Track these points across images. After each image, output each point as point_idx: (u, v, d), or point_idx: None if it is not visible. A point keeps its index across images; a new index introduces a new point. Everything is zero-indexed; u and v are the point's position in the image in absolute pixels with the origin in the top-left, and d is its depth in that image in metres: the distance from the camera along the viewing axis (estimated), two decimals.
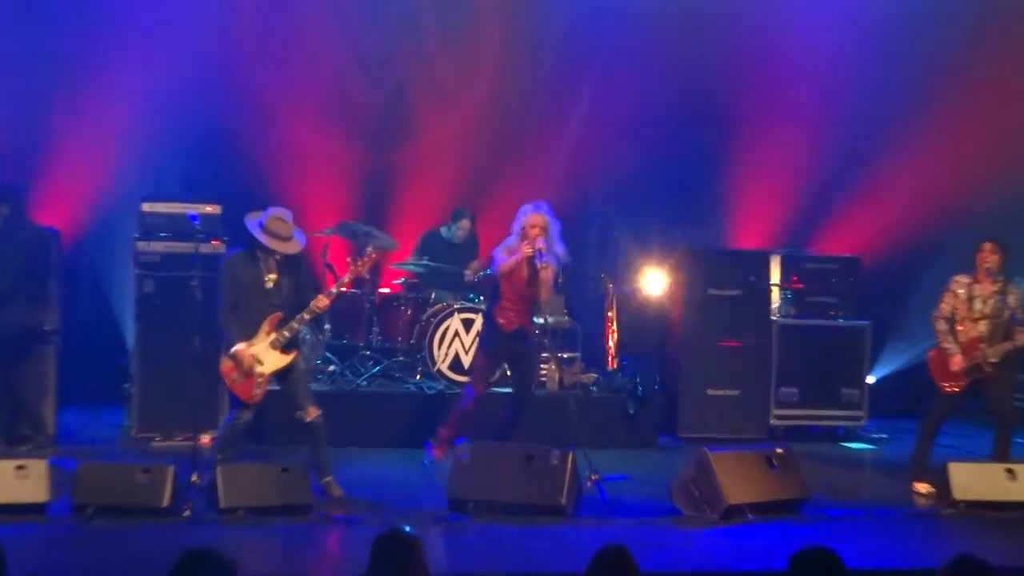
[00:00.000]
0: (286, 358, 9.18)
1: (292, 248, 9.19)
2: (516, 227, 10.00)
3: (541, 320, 10.26)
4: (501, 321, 10.08)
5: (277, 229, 9.14)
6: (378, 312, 12.16)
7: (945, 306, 10.15)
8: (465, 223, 12.70)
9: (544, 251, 9.78)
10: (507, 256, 9.97)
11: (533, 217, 9.93)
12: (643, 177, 13.35)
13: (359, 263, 9.46)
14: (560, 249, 10.09)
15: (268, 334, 9.13)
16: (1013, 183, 12.89)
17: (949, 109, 13.26)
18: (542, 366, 12.01)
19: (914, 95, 13.46)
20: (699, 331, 12.20)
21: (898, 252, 13.37)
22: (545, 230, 9.89)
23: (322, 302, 9.15)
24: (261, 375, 9.12)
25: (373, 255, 9.72)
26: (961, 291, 10.11)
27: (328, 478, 9.26)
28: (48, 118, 12.38)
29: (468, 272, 12.48)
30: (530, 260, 9.85)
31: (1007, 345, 10.01)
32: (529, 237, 9.84)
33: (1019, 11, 13.17)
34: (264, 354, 9.12)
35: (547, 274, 9.81)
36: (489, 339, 10.27)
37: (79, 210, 12.25)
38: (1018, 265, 10.30)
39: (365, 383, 11.73)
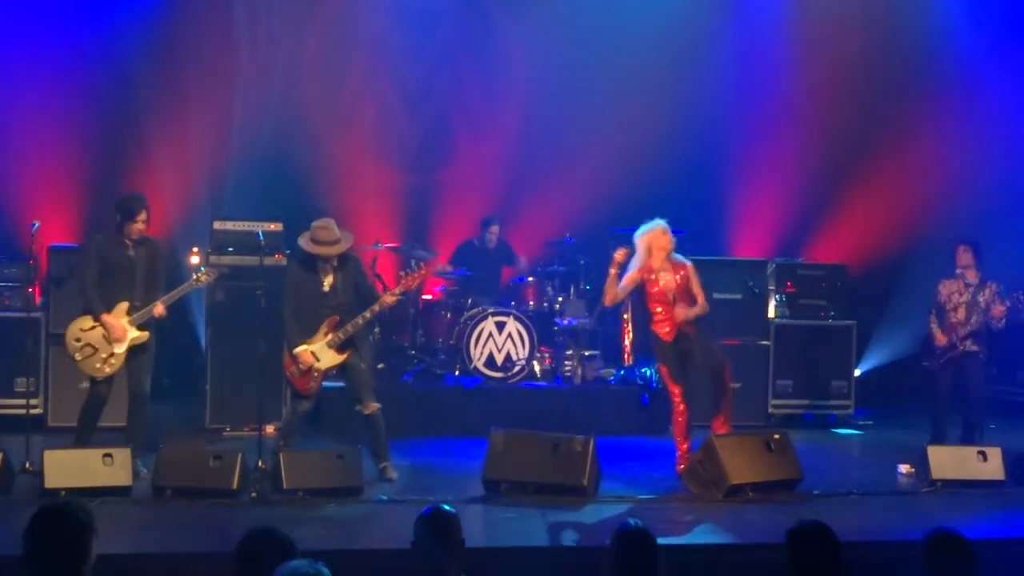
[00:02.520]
0: (340, 357, 9.17)
1: (339, 249, 9.16)
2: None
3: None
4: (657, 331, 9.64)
5: (322, 237, 9.15)
6: (421, 316, 12.17)
7: (936, 306, 10.42)
8: (495, 228, 12.71)
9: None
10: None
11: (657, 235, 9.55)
12: (656, 195, 13.22)
13: (410, 277, 9.40)
14: None
15: (325, 335, 9.13)
16: (979, 197, 12.80)
17: (924, 130, 13.15)
18: (566, 363, 12.06)
19: (894, 117, 13.35)
20: (705, 331, 12.11)
21: (879, 260, 13.29)
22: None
23: (387, 299, 9.13)
24: (317, 371, 9.15)
25: (424, 272, 9.71)
26: (943, 288, 10.35)
27: (384, 463, 9.25)
28: (134, 149, 12.42)
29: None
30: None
31: (970, 326, 10.18)
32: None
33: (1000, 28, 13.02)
34: (321, 352, 9.13)
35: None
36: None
37: (160, 228, 12.25)
38: (992, 266, 10.36)
39: (411, 378, 11.74)
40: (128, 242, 9.22)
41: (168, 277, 9.59)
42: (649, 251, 9.47)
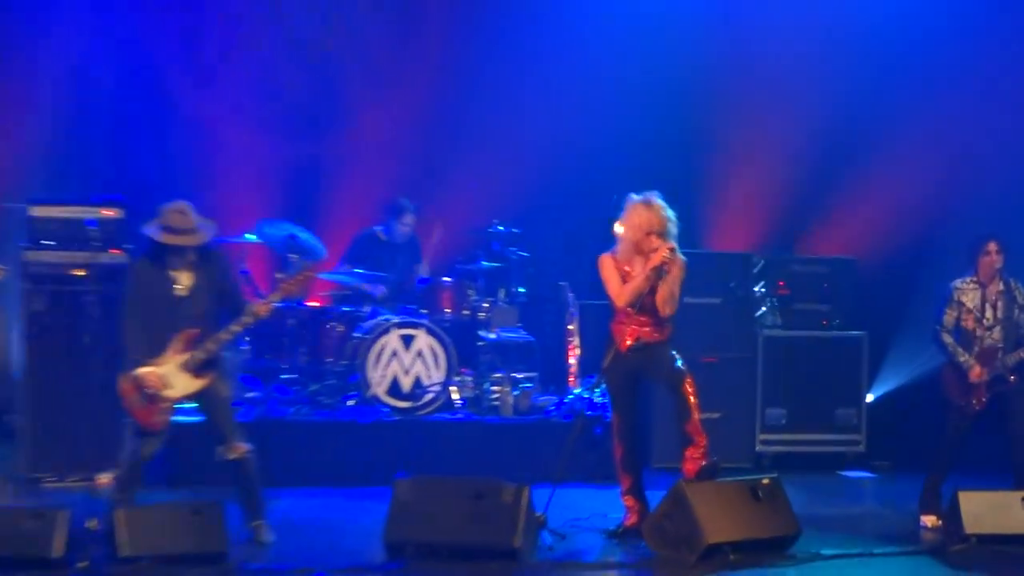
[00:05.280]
0: (198, 382, 9.06)
1: (196, 240, 9.04)
2: (626, 231, 9.48)
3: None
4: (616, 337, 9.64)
5: (175, 223, 9.03)
6: (305, 329, 12.12)
7: (948, 317, 10.24)
8: (409, 218, 12.74)
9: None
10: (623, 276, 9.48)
11: (649, 212, 9.43)
12: (612, 170, 13.27)
13: (289, 283, 9.34)
14: None
15: (179, 353, 9.03)
16: (1013, 175, 12.99)
17: (948, 95, 13.33)
18: (494, 389, 12.11)
19: (913, 79, 13.51)
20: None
21: (897, 252, 13.39)
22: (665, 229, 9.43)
23: (260, 308, 9.08)
24: (167, 400, 9.04)
25: (308, 273, 9.64)
26: (966, 298, 10.21)
27: (258, 521, 9.21)
28: None
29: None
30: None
31: (1022, 352, 10.10)
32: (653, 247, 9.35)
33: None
34: (173, 376, 9.03)
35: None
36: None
37: None
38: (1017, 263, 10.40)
39: (292, 411, 11.70)
40: None
41: None
42: (628, 236, 9.49)
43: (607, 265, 9.55)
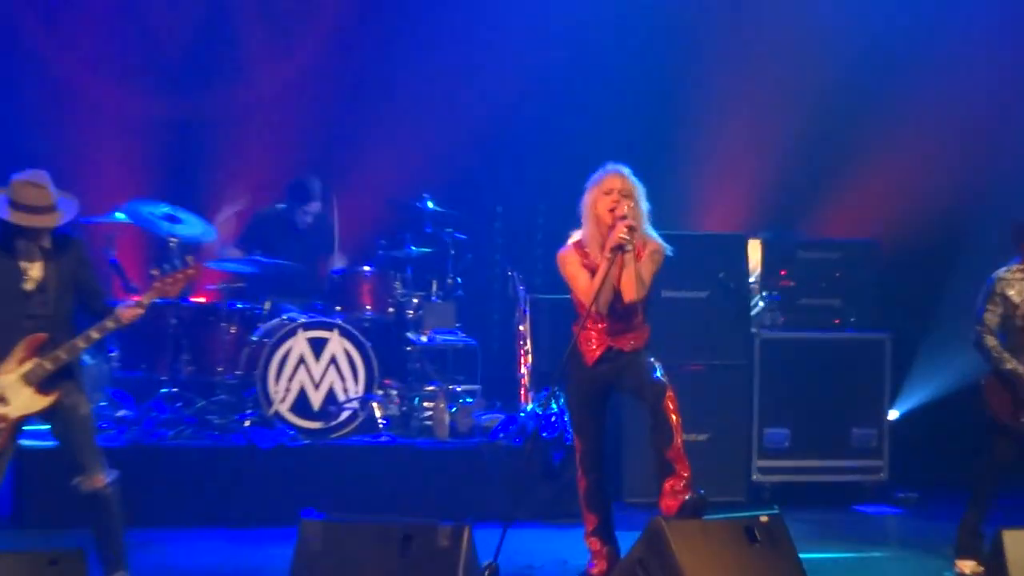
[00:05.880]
0: (44, 400, 8.90)
1: (53, 220, 8.88)
2: (585, 205, 9.35)
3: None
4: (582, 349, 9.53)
5: (28, 198, 8.84)
6: (188, 330, 12.03)
7: (991, 315, 10.19)
8: (315, 205, 12.77)
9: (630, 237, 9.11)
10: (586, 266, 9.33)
11: (608, 181, 9.31)
12: (574, 133, 13.29)
13: (167, 280, 9.17)
14: None
15: (22, 362, 8.86)
16: None
17: (989, 47, 13.48)
18: (426, 405, 12.10)
19: (950, 29, 13.60)
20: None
21: (927, 233, 13.46)
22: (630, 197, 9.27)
23: (128, 312, 8.88)
24: (3, 419, 8.86)
25: (191, 270, 9.45)
26: (1012, 291, 10.17)
27: (120, 573, 9.03)
28: None
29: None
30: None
31: None
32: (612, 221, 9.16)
33: None
34: (12, 390, 8.86)
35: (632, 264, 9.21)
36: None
37: None
38: None
39: (172, 434, 11.58)
40: None
41: None
42: (590, 218, 9.37)
43: (570, 261, 9.39)
